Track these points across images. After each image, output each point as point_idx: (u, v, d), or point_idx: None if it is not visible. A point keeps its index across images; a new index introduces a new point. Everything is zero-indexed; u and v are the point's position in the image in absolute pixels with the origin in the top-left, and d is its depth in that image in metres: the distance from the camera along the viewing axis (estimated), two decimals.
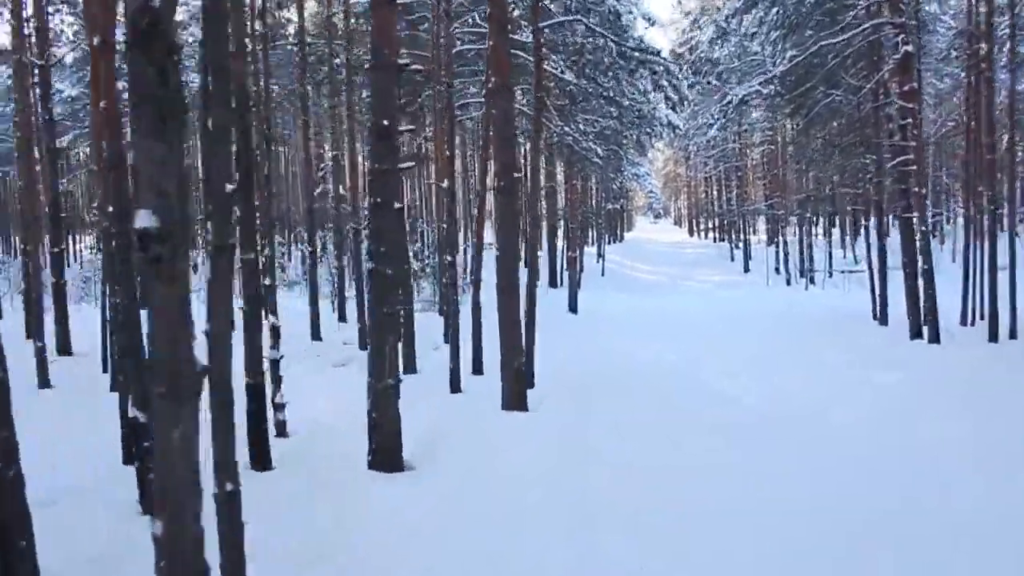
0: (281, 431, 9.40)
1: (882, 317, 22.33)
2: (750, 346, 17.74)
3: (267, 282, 9.87)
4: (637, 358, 16.03)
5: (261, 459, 7.75)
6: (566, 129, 20.70)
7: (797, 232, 40.86)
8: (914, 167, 16.96)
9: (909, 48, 16.82)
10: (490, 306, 11.14)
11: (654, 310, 28.63)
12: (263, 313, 8.42)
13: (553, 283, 35.80)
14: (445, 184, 11.85)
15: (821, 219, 43.40)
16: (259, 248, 8.85)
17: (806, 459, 8.19)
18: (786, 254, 38.27)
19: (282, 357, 9.68)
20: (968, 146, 21.88)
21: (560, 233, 35.72)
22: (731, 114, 26.69)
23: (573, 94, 23.51)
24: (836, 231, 42.64)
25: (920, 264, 17.27)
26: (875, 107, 21.71)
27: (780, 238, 42.06)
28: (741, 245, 46.70)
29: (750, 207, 45.11)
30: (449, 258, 12.28)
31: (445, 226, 12.36)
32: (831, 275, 37.59)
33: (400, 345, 14.60)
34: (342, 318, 22.34)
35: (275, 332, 9.55)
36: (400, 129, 7.54)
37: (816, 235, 40.18)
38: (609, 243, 57.14)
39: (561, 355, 16.50)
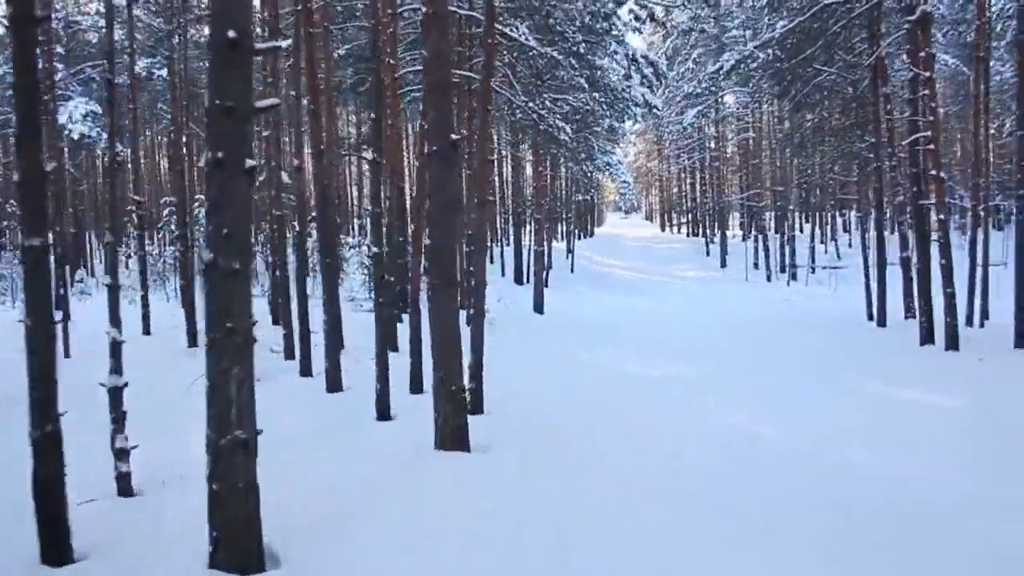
0: (125, 490, 6.75)
1: (879, 318, 20.05)
2: (744, 356, 15.29)
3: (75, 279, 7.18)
4: (613, 374, 13.49)
5: (57, 547, 5.13)
6: (531, 105, 18.18)
7: (776, 226, 38.74)
8: (931, 146, 14.59)
9: (926, 7, 14.46)
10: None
11: (629, 310, 26.21)
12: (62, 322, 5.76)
13: (519, 280, 33.39)
14: (370, 155, 9.22)
15: (799, 213, 41.15)
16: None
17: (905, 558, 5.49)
18: (766, 249, 36.04)
19: (125, 385, 7.02)
20: (976, 130, 19.62)
21: (529, 228, 33.35)
22: (722, 81, 24.19)
23: (540, 70, 21.05)
24: (813, 226, 40.42)
25: (937, 259, 14.92)
26: (875, 83, 19.43)
27: (759, 232, 39.90)
28: (717, 239, 44.54)
29: (728, 199, 42.82)
30: (375, 249, 9.62)
31: (370, 209, 9.67)
32: (814, 271, 35.45)
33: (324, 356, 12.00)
34: (278, 321, 19.61)
35: (115, 349, 6.89)
36: (258, 47, 4.92)
37: (797, 230, 37.87)
38: (579, 238, 54.82)
39: (521, 367, 13.98)
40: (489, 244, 42.50)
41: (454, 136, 7.30)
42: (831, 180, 26.65)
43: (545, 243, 34.17)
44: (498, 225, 42.17)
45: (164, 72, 35.29)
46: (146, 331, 18.02)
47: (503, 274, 36.94)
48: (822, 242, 42.11)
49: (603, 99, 21.48)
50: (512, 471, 7.16)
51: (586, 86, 19.52)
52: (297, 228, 12.59)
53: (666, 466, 7.47)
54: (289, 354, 14.33)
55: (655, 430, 9.08)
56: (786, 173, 36.25)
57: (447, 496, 6.44)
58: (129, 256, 30.79)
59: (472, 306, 9.57)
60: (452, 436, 7.63)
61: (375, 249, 9.48)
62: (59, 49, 36.77)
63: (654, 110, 22.80)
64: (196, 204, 21.91)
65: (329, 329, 11.20)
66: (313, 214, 13.10)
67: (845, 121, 22.94)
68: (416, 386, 11.12)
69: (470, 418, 8.84)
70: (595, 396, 11.31)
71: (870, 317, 21.34)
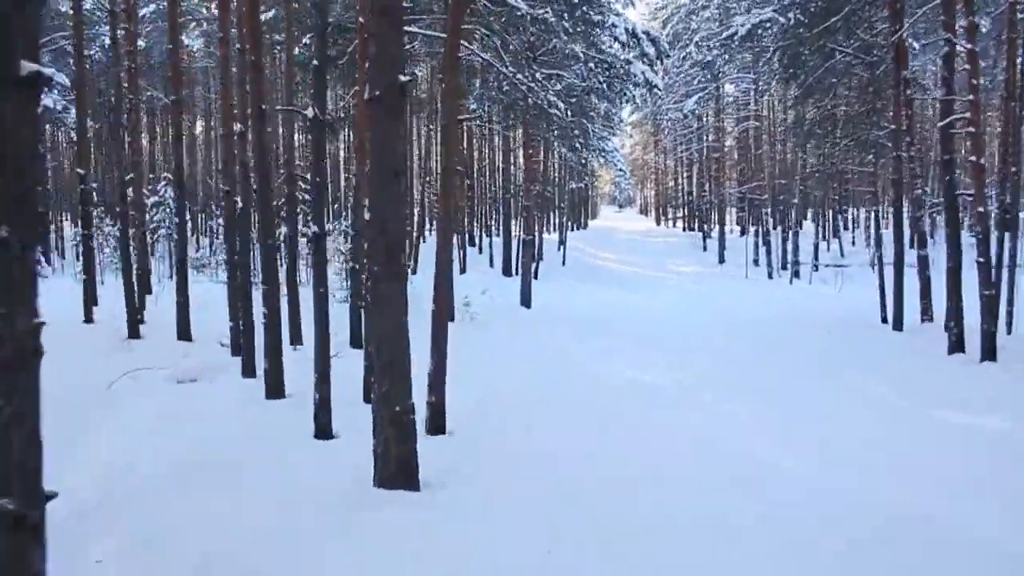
0: None
1: (896, 322, 18.34)
2: (754, 366, 13.50)
3: None
4: (603, 382, 11.70)
5: None
6: (519, 77, 16.35)
7: (777, 221, 37.02)
8: (970, 129, 12.86)
9: None
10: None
11: (623, 306, 24.45)
12: None
13: (508, 271, 31.69)
14: (310, 113, 7.36)
15: (801, 209, 39.35)
16: None
17: None
18: (767, 245, 34.30)
19: None
20: (1008, 116, 17.87)
21: (518, 216, 31.60)
22: (735, 47, 22.31)
23: (533, 43, 19.22)
24: (817, 223, 38.66)
25: (974, 257, 13.19)
26: (897, 64, 17.72)
27: (759, 227, 38.18)
28: (715, 234, 42.83)
29: (728, 192, 41.01)
30: (315, 229, 7.80)
31: (310, 180, 7.76)
32: (816, 269, 33.77)
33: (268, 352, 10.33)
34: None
35: None
36: None
37: (799, 225, 36.11)
38: (572, 230, 53.04)
39: (500, 369, 12.23)
40: (471, 230, 40.86)
41: (402, 77, 5.52)
42: (842, 171, 24.76)
43: (535, 233, 32.48)
44: (481, 211, 40.34)
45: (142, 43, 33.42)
46: (87, 319, 16.20)
47: (491, 265, 35.21)
48: (824, 239, 40.41)
49: (600, 73, 19.64)
50: (470, 520, 5.40)
51: (582, 55, 17.65)
52: (240, 204, 10.78)
53: (662, 510, 5.73)
54: (237, 349, 12.54)
55: (647, 455, 7.36)
56: (788, 165, 34.48)
57: (375, 567, 4.67)
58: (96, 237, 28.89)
59: (434, 300, 7.76)
60: (396, 470, 5.88)
61: (314, 229, 7.68)
62: None
63: (655, 90, 20.95)
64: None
65: (271, 323, 9.39)
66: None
67: (860, 107, 21.20)
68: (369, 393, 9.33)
69: (428, 440, 7.14)
70: (581, 407, 9.57)
71: (884, 319, 19.69)
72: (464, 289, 23.58)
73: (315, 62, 7.44)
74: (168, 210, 26.29)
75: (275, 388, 9.60)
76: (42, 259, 29.46)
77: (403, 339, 5.85)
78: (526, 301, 22.40)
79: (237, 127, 10.37)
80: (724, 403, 10.24)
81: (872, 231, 37.94)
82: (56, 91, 27.31)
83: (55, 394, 9.92)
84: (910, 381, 11.85)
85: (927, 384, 11.55)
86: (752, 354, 14.73)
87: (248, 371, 11.02)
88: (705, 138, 45.05)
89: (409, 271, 24.59)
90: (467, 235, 40.41)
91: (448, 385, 8.30)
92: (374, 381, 5.88)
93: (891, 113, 19.03)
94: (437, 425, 7.70)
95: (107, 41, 24.07)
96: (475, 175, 39.06)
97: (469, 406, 8.82)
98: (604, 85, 21.08)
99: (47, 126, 34.69)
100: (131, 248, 14.89)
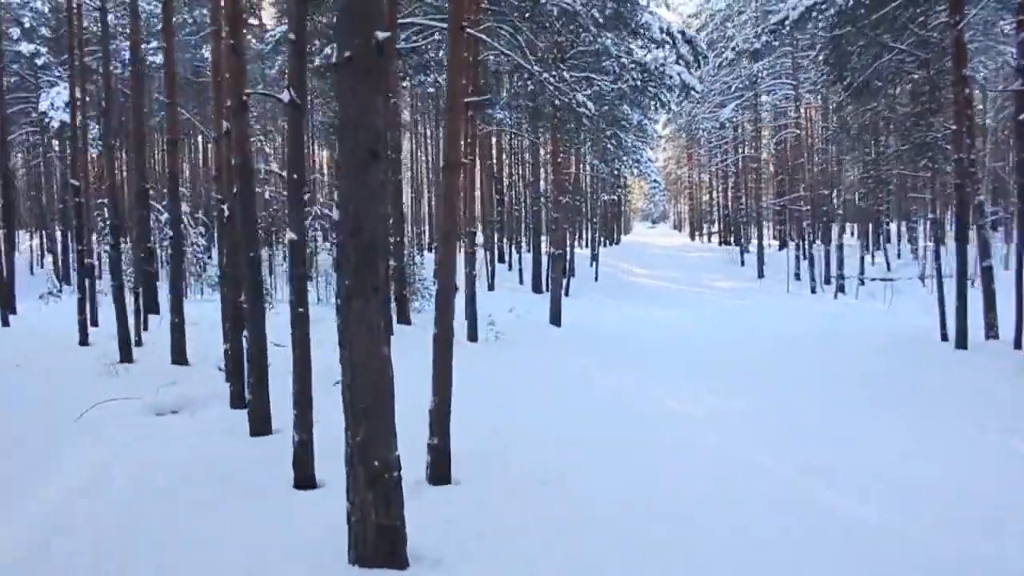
0: None
1: (959, 339, 16.67)
2: (811, 394, 11.92)
3: None
4: (638, 413, 10.24)
5: None
6: (547, 76, 15.04)
7: (817, 233, 35.28)
8: None
9: None
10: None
11: (657, 324, 22.99)
12: None
13: (537, 288, 30.35)
14: (286, 97, 6.03)
15: (841, 219, 37.55)
16: None
17: None
18: (810, 258, 32.60)
19: None
20: None
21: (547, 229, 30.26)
22: (785, 33, 20.71)
23: (561, 43, 17.94)
24: (866, 234, 36.83)
25: None
26: (957, 61, 16.28)
27: (800, 240, 36.51)
28: (754, 248, 41.19)
29: (767, 204, 39.32)
30: (292, 236, 6.45)
31: (285, 176, 6.45)
32: (863, 283, 32.00)
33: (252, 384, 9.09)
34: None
35: None
36: None
37: (840, 237, 34.35)
38: (604, 245, 51.65)
39: (520, 399, 10.86)
40: (501, 246, 39.63)
41: (379, 34, 4.20)
42: (889, 180, 23.07)
43: (565, 247, 31.14)
44: (511, 226, 39.04)
45: (159, 58, 32.67)
46: (83, 341, 15.08)
47: (521, 282, 33.92)
48: (867, 251, 38.60)
49: (633, 73, 18.28)
50: None
51: (613, 51, 16.31)
52: (227, 211, 9.52)
53: None
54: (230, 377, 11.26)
55: (695, 514, 5.92)
56: (830, 174, 32.78)
57: None
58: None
59: (436, 322, 6.42)
60: (376, 545, 4.54)
61: (291, 235, 6.37)
62: (44, 32, 34.43)
63: (692, 92, 19.55)
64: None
65: (254, 348, 8.11)
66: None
67: (914, 107, 19.66)
68: None
69: (428, 494, 5.79)
70: (615, 445, 8.15)
71: (943, 336, 18.01)
72: (492, 307, 22.30)
73: (291, 36, 6.16)
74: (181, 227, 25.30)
75: (260, 423, 8.30)
76: (53, 278, 28.64)
77: (383, 373, 4.52)
78: (555, 319, 21.01)
79: (225, 126, 9.15)
80: (786, 445, 8.76)
81: (925, 241, 36.19)
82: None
83: (17, 427, 8.71)
84: (987, 408, 10.33)
85: (1009, 412, 10.04)
86: (806, 379, 13.20)
87: (238, 401, 9.73)
88: (741, 149, 43.48)
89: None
90: (496, 250, 39.21)
91: (461, 419, 6.98)
92: (346, 429, 4.54)
93: (951, 114, 17.50)
94: (440, 474, 6.34)
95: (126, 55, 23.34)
96: (504, 189, 37.83)
97: (483, 446, 7.45)
98: (638, 86, 19.73)
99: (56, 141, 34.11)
100: (122, 263, 13.73)
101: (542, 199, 29.09)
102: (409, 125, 42.14)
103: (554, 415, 9.73)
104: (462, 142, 17.10)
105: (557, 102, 16.23)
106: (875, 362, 15.26)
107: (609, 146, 25.00)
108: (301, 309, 6.44)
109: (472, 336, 17.01)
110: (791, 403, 11.36)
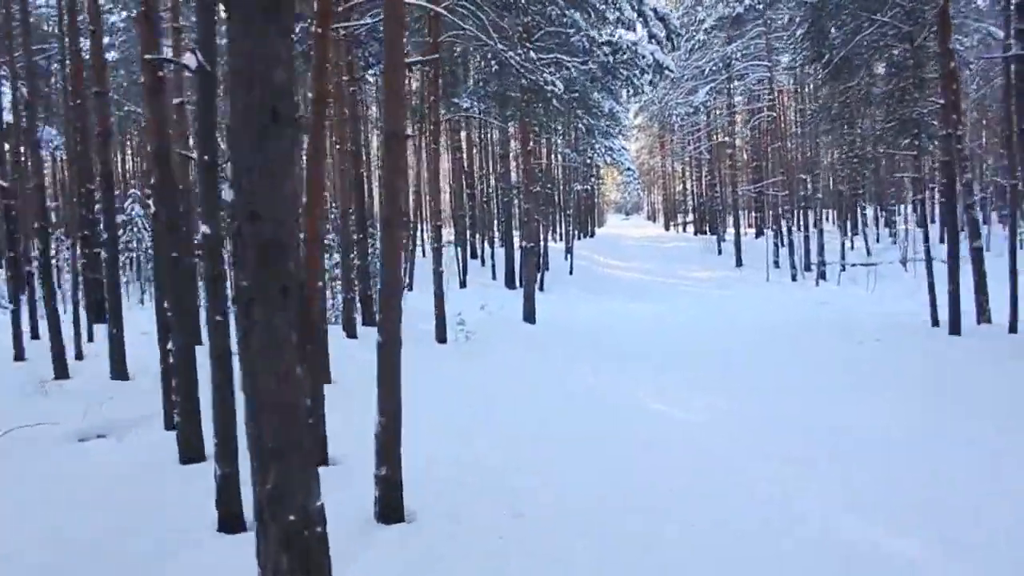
0: None
1: (952, 324, 15.90)
2: (806, 392, 10.98)
3: None
4: (621, 420, 9.28)
5: None
6: (511, 55, 14.02)
7: (797, 219, 34.53)
8: None
9: None
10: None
11: (636, 317, 22.10)
12: None
13: (511, 283, 29.35)
14: (193, 63, 4.99)
15: (820, 203, 36.81)
16: None
17: None
18: (790, 245, 31.84)
19: None
20: None
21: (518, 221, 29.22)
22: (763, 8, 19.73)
23: (528, 24, 16.91)
24: (844, 219, 36.10)
25: None
26: (942, 33, 15.54)
27: (778, 227, 35.76)
28: (729, 237, 40.45)
29: (744, 190, 38.48)
30: (205, 230, 5.38)
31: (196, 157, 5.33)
32: (844, 269, 31.29)
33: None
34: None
35: None
36: None
37: (820, 222, 33.61)
38: (579, 238, 50.70)
39: (490, 408, 9.89)
40: (473, 240, 38.51)
41: None
42: (875, 159, 22.14)
43: (538, 239, 30.23)
44: (484, 220, 38.00)
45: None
46: (19, 356, 13.89)
47: (494, 277, 32.87)
48: (846, 236, 37.91)
49: (603, 53, 17.28)
50: None
51: (583, 24, 15.31)
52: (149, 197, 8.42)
53: None
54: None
55: (694, 551, 5.01)
56: (808, 157, 32.01)
57: None
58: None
59: (380, 326, 5.39)
60: None
61: (204, 229, 5.33)
62: None
63: (666, 72, 18.60)
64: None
65: (180, 361, 7.04)
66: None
67: (897, 83, 18.85)
68: (323, 455, 6.97)
69: (376, 535, 4.78)
70: (597, 460, 7.20)
71: (934, 322, 17.24)
72: (463, 305, 21.31)
73: None
74: (136, 229, 24.09)
75: (191, 448, 7.24)
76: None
77: (296, 401, 3.49)
78: (529, 316, 20.04)
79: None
80: (768, 437, 7.90)
81: (904, 225, 35.56)
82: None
83: None
84: (987, 394, 9.55)
85: (1007, 398, 9.30)
86: (798, 374, 12.31)
87: (172, 422, 8.64)
88: (715, 136, 42.68)
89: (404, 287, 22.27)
90: (468, 245, 38.12)
91: (420, 437, 6.02)
92: (252, 475, 3.51)
93: (935, 89, 16.73)
94: (390, 509, 5.32)
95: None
96: (475, 182, 36.79)
97: (443, 472, 6.46)
98: (609, 67, 18.73)
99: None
100: (52, 270, 12.56)
101: (513, 191, 28.07)
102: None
103: (530, 427, 8.75)
104: (430, 128, 16.01)
105: (524, 82, 15.21)
106: (865, 350, 14.45)
107: (581, 126, 23.99)
108: (219, 317, 5.39)
109: (440, 336, 16.00)
110: (774, 394, 10.54)
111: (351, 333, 16.10)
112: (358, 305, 17.96)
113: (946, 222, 16.23)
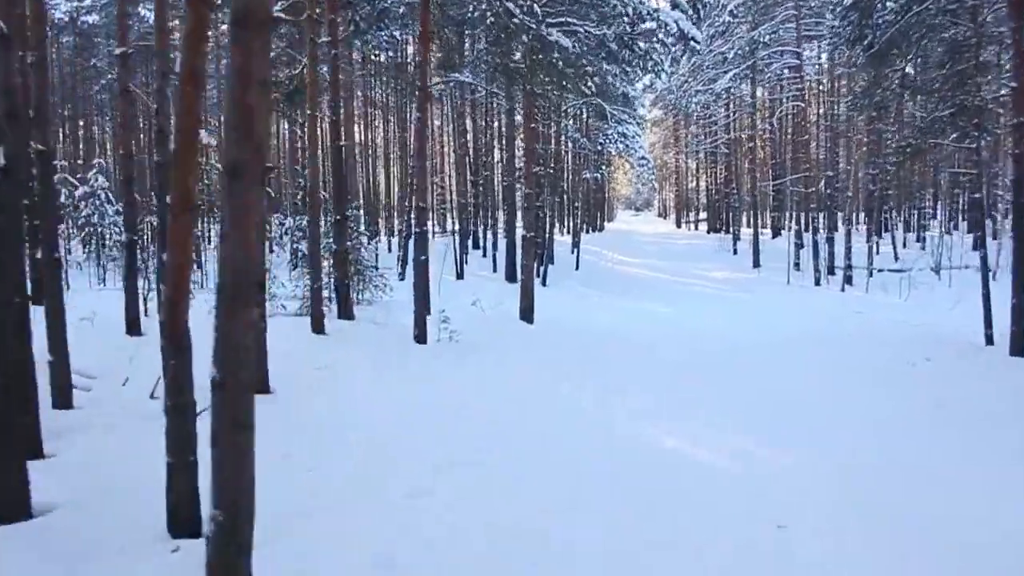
0: None
1: (1015, 344, 13.64)
2: (859, 426, 8.73)
3: None
4: (629, 463, 7.00)
5: None
6: (510, 4, 11.74)
7: (821, 219, 32.14)
8: None
9: None
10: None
11: (646, 319, 19.87)
12: None
13: (512, 276, 27.12)
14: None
15: (851, 202, 34.38)
16: None
17: None
18: (814, 246, 29.49)
19: None
20: None
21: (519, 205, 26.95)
22: None
23: None
24: (878, 222, 33.63)
25: None
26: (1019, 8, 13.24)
27: (799, 227, 33.43)
28: (748, 236, 38.17)
29: (768, 184, 36.01)
30: None
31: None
32: (871, 274, 28.95)
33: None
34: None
35: None
36: None
37: (848, 223, 31.24)
38: (587, 232, 48.46)
39: (463, 444, 7.63)
40: (475, 229, 36.34)
41: None
42: (926, 148, 19.69)
43: (539, 228, 28.03)
44: (487, 205, 35.79)
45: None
46: None
47: (495, 269, 30.64)
48: (868, 241, 35.54)
49: (623, 25, 14.97)
50: None
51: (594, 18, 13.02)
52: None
53: None
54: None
55: None
56: (836, 153, 29.60)
57: None
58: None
59: (215, 362, 3.13)
60: None
61: None
62: None
63: (692, 44, 16.28)
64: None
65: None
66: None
67: (953, 67, 16.55)
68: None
69: None
70: (602, 531, 4.97)
71: (988, 339, 14.95)
72: (457, 298, 19.22)
73: None
74: (98, 203, 21.93)
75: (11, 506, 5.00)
76: None
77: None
78: (526, 314, 17.80)
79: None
80: (871, 540, 5.59)
81: (942, 229, 33.26)
82: None
83: None
84: None
85: None
86: (854, 404, 10.01)
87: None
88: (734, 128, 40.29)
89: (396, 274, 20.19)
90: (470, 235, 36.01)
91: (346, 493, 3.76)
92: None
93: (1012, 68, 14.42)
94: None
95: None
96: (479, 169, 34.58)
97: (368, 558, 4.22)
98: (626, 42, 16.41)
99: None
100: None
101: (517, 172, 25.82)
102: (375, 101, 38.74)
103: (510, 479, 6.50)
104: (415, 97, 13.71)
105: (526, 38, 12.93)
106: (922, 373, 12.18)
107: (591, 108, 21.61)
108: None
109: (420, 336, 13.75)
110: (828, 434, 8.27)
111: (318, 328, 13.90)
112: (334, 295, 15.84)
113: (1017, 225, 13.85)
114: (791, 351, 14.19)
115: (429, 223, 13.77)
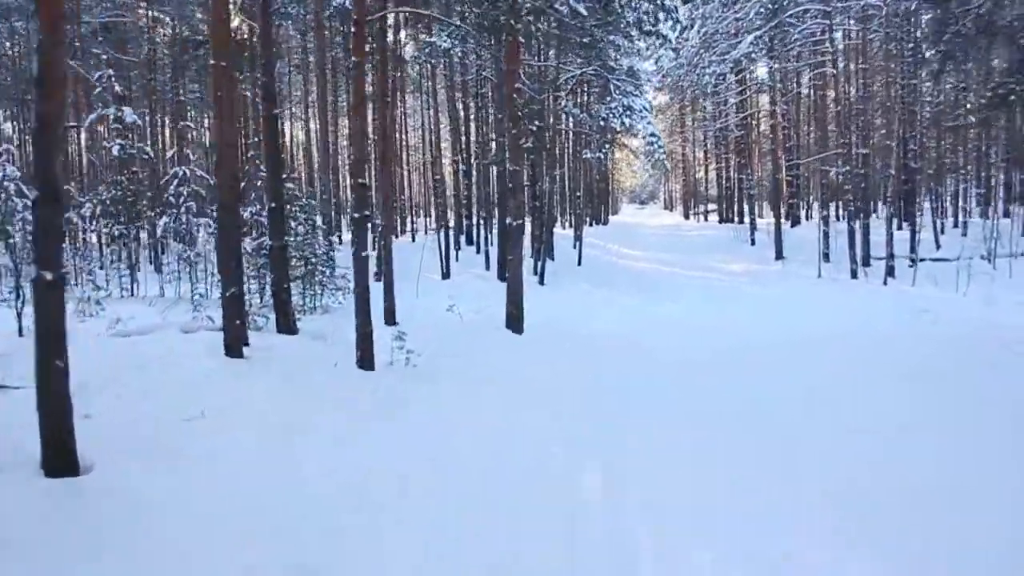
0: None
1: None
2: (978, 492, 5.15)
3: None
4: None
5: None
6: None
7: (858, 203, 28.47)
8: None
9: None
10: None
11: (658, 323, 16.38)
12: None
13: (503, 274, 23.52)
14: None
15: (895, 182, 30.61)
16: None
17: None
18: (849, 235, 25.78)
19: None
20: None
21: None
22: None
23: None
24: (915, 206, 29.86)
25: None
26: None
27: (829, 213, 29.84)
28: (765, 225, 34.60)
29: (800, 162, 32.07)
30: None
31: None
32: (912, 264, 25.34)
33: None
34: None
35: None
36: None
37: (896, 206, 27.61)
38: (590, 225, 44.92)
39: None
40: (468, 222, 32.89)
41: None
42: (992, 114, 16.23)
43: (540, 220, 24.63)
44: (484, 195, 32.34)
45: None
46: None
47: (488, 267, 27.08)
48: (899, 228, 31.86)
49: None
50: None
51: None
52: None
53: None
54: None
55: None
56: (874, 125, 25.89)
57: None
58: None
59: None
60: None
61: None
62: None
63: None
64: None
65: None
66: None
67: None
68: None
69: None
70: None
71: None
72: (435, 301, 15.96)
73: None
74: (4, 195, 18.35)
75: None
76: None
77: None
78: (514, 322, 14.25)
79: None
80: None
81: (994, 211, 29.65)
82: None
83: None
84: None
85: None
86: (954, 455, 6.46)
87: None
88: (749, 106, 36.60)
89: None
90: (459, 229, 32.66)
91: None
92: None
93: None
94: None
95: None
96: (470, 155, 31.10)
97: None
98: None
99: None
100: None
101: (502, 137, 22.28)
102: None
103: None
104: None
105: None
106: None
107: (591, 75, 17.98)
108: None
109: (363, 361, 10.14)
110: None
111: (233, 349, 10.30)
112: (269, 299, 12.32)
113: None
114: (854, 373, 10.52)
115: (372, 207, 10.10)
